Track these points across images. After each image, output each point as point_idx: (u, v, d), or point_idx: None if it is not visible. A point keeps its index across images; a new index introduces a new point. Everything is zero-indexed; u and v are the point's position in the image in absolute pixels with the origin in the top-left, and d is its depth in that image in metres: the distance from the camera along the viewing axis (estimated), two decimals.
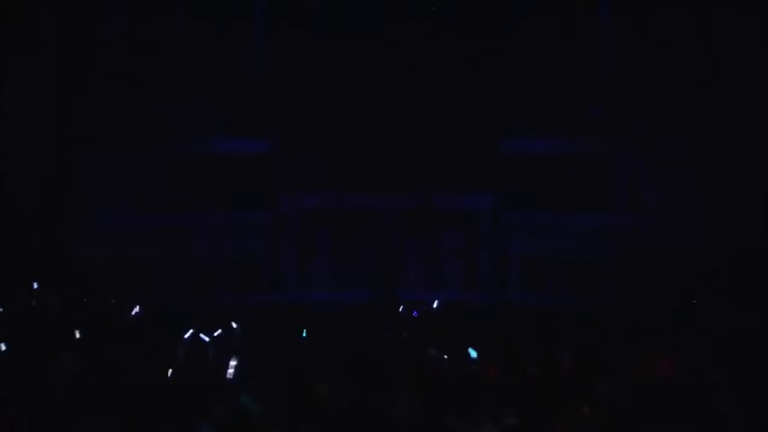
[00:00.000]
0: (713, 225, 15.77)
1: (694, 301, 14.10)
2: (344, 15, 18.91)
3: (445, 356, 6.26)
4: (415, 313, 14.09)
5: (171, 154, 18.22)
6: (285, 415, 4.40)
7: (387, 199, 18.75)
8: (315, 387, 4.85)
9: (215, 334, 5.01)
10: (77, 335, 7.05)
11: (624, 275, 16.16)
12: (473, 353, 6.05)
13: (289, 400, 4.53)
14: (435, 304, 13.53)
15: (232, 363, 5.01)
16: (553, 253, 17.16)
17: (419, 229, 18.55)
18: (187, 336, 4.96)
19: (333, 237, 18.67)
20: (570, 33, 18.09)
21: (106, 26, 16.96)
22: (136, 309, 10.72)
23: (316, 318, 10.39)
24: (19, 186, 15.27)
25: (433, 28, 18.72)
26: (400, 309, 12.35)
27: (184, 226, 17.61)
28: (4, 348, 5.92)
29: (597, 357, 6.15)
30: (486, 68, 18.55)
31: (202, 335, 4.98)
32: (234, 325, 5.03)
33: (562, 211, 17.36)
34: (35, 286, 12.56)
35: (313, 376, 5.06)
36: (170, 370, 5.08)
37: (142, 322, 9.85)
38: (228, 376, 5.05)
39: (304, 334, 7.73)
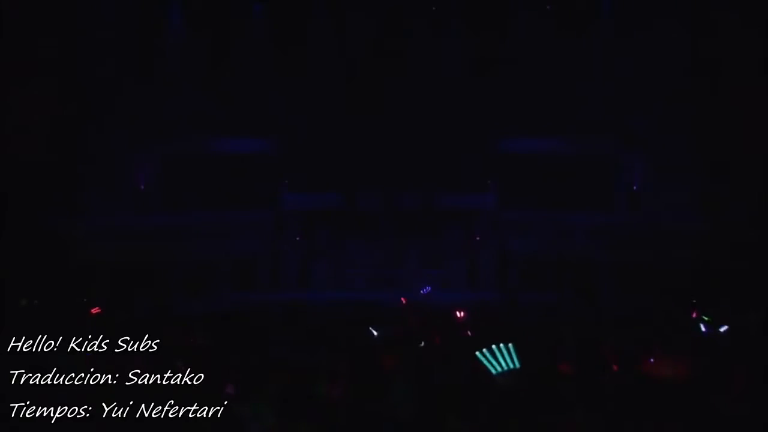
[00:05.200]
0: (712, 225, 15.78)
1: (694, 301, 14.09)
2: (346, 14, 18.93)
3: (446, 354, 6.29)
4: (426, 290, 14.64)
5: (171, 153, 18.24)
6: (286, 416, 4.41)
7: (388, 199, 18.78)
8: (316, 387, 4.85)
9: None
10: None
11: (623, 275, 16.17)
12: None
13: (289, 401, 4.53)
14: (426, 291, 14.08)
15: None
16: (553, 253, 17.17)
17: (421, 229, 18.58)
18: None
19: (334, 237, 18.68)
20: (571, 33, 18.13)
21: (106, 27, 16.97)
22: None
23: (318, 318, 10.41)
24: (19, 186, 15.28)
25: (433, 27, 18.75)
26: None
27: (184, 226, 17.63)
28: None
29: (597, 357, 6.15)
30: (487, 68, 18.58)
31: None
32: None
33: (563, 210, 17.39)
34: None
35: (314, 376, 5.06)
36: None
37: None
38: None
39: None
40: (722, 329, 7.66)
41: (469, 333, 8.05)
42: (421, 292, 15.62)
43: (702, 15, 16.31)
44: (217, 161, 18.32)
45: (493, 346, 4.28)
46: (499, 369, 4.24)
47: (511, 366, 4.23)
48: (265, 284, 17.60)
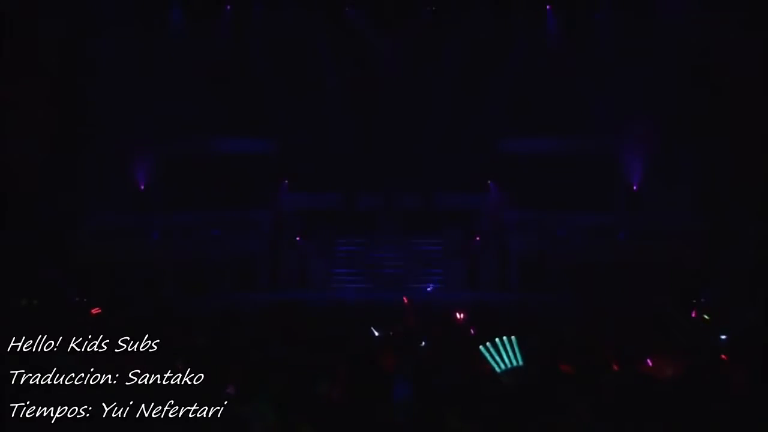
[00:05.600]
0: (712, 225, 15.79)
1: (694, 301, 14.10)
2: (346, 14, 18.95)
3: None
4: (429, 288, 14.74)
5: (171, 153, 18.25)
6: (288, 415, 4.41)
7: (388, 199, 18.78)
8: (316, 387, 4.85)
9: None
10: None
11: (624, 275, 16.17)
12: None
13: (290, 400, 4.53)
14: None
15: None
16: (553, 253, 17.18)
17: (421, 229, 18.60)
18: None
19: (334, 237, 18.70)
20: (572, 32, 18.14)
21: (106, 26, 16.96)
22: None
23: (318, 318, 10.39)
24: (19, 186, 15.28)
25: (434, 27, 18.76)
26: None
27: (184, 226, 17.65)
28: None
29: (597, 357, 6.15)
30: (487, 68, 18.59)
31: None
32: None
33: (563, 210, 17.40)
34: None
35: (314, 376, 5.06)
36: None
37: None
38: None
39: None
40: (723, 337, 7.66)
41: (471, 331, 8.06)
42: (427, 289, 15.72)
43: (703, 15, 16.30)
44: (217, 161, 18.33)
45: (497, 340, 4.28)
46: (503, 366, 4.25)
47: (515, 363, 4.23)
48: (264, 284, 17.62)
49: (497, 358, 4.26)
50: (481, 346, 4.30)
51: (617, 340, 7.40)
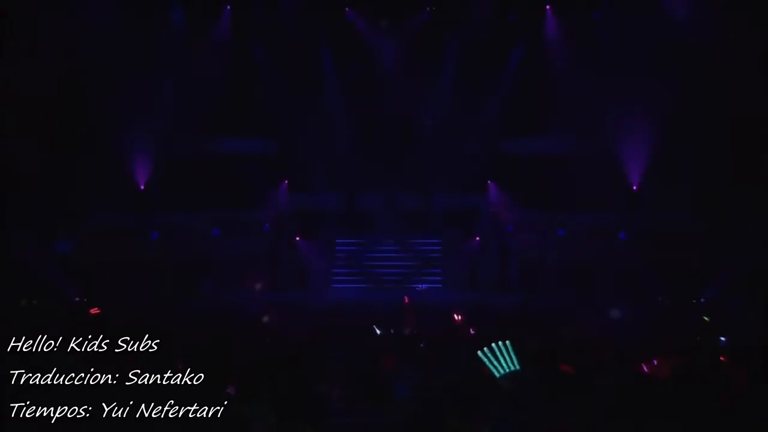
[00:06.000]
0: (712, 225, 15.79)
1: (694, 301, 14.15)
2: (346, 15, 18.94)
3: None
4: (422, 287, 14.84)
5: (171, 153, 18.23)
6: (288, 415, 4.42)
7: (389, 199, 18.77)
8: (316, 387, 4.86)
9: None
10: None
11: (624, 275, 16.17)
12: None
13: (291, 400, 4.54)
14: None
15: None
16: (553, 253, 17.18)
17: (421, 229, 18.60)
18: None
19: (334, 237, 18.69)
20: (571, 32, 18.13)
21: (106, 26, 16.92)
22: None
23: (318, 318, 10.41)
24: (19, 186, 15.27)
25: (433, 28, 18.74)
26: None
27: (183, 226, 17.64)
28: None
29: (597, 357, 6.16)
30: (487, 68, 18.58)
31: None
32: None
33: (563, 210, 17.39)
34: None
35: (314, 376, 5.07)
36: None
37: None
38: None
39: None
40: (722, 339, 7.69)
41: (471, 331, 8.08)
42: (418, 288, 15.75)
43: (703, 15, 16.29)
44: (217, 161, 18.31)
45: (493, 344, 4.29)
46: (501, 370, 4.26)
47: (512, 367, 4.24)
48: (265, 284, 17.59)
49: (495, 363, 4.27)
50: (479, 352, 4.31)
51: (617, 340, 7.41)
